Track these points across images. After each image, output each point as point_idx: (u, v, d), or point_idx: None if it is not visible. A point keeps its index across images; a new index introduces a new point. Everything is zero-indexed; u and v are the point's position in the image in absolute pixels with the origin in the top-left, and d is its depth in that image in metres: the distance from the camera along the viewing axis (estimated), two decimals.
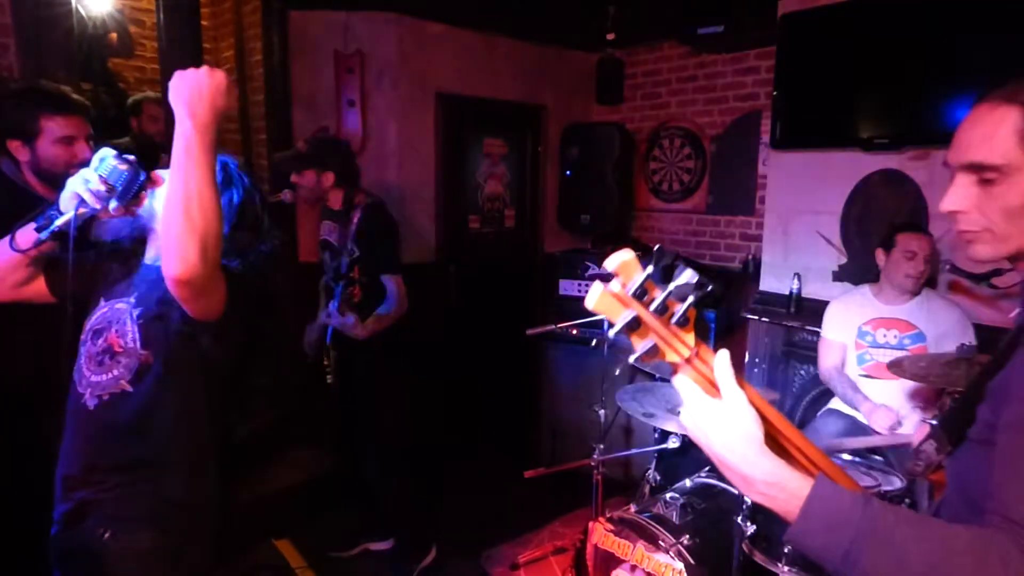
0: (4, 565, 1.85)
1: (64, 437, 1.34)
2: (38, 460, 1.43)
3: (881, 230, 2.69)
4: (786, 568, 1.80)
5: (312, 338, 2.71)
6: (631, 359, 0.73)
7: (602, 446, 2.49)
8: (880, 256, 2.53)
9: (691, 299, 0.71)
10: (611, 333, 0.72)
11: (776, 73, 3.19)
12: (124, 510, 1.29)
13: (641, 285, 0.70)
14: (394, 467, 2.71)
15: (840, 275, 3.15)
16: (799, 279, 3.23)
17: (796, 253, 3.29)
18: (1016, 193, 0.76)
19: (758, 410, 0.75)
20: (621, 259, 0.70)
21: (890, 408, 2.37)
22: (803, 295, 3.22)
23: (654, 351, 0.72)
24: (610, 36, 3.85)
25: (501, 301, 4.15)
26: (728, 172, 3.87)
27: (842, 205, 3.09)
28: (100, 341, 1.31)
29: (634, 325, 0.71)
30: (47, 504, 1.35)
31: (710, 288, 0.73)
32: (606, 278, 0.72)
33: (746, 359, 3.43)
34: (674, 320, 0.72)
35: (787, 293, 3.25)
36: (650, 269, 0.70)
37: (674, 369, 0.76)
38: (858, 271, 3.03)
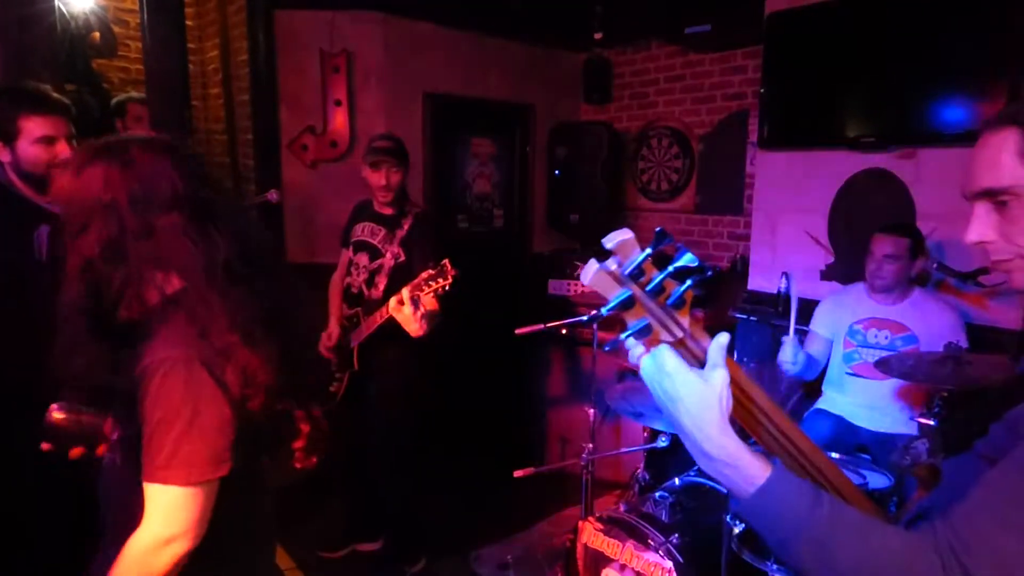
0: None
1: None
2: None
3: (868, 229, 2.71)
4: (775, 567, 1.80)
5: (331, 344, 2.68)
6: (622, 336, 0.73)
7: (591, 446, 2.49)
8: (867, 260, 2.55)
9: (689, 281, 0.71)
10: (604, 310, 0.71)
11: (763, 72, 3.20)
12: None
13: (638, 265, 0.70)
14: (405, 467, 2.71)
15: (828, 274, 3.16)
16: (787, 278, 3.24)
17: (784, 252, 3.30)
18: None
19: (743, 391, 0.76)
20: (620, 238, 0.70)
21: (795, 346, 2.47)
22: (791, 294, 3.24)
23: (647, 330, 0.72)
24: (597, 36, 3.85)
25: (490, 301, 4.14)
26: (716, 171, 3.89)
27: (829, 204, 3.11)
28: None
29: (628, 304, 0.71)
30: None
31: (709, 273, 0.72)
32: (602, 256, 0.72)
33: (734, 358, 3.44)
34: (670, 301, 0.72)
35: (775, 292, 3.27)
36: (648, 250, 0.70)
37: (652, 344, 0.75)
38: (846, 270, 3.04)
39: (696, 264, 0.70)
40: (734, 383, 0.76)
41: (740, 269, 3.65)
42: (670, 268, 0.70)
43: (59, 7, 2.87)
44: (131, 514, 1.04)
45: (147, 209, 1.02)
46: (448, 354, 3.91)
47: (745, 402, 0.78)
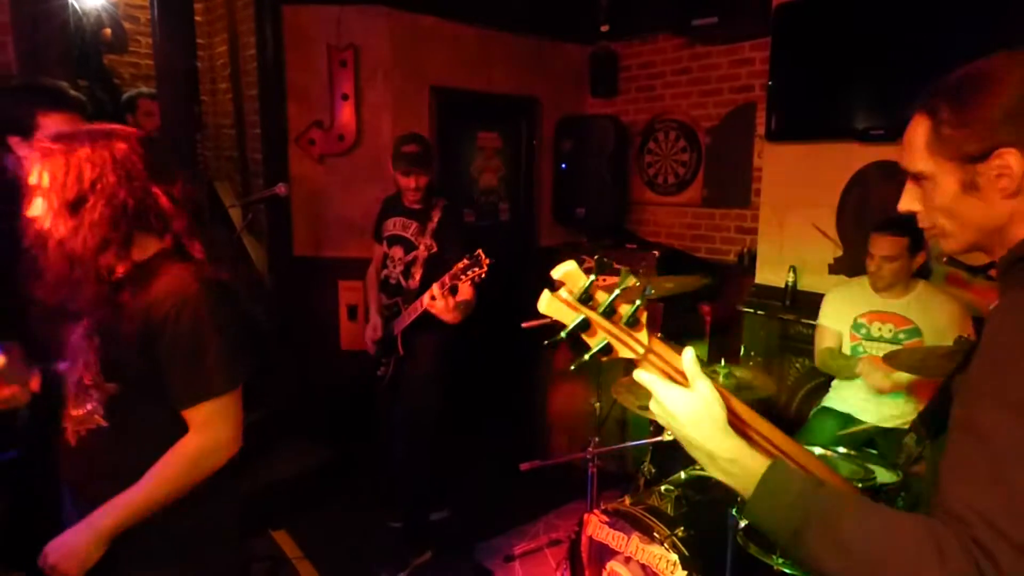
0: None
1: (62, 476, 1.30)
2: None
3: (877, 222, 2.69)
4: (780, 560, 1.80)
5: (378, 336, 2.80)
6: (586, 356, 0.80)
7: (597, 439, 2.50)
8: (868, 258, 2.53)
9: (638, 302, 0.79)
10: (563, 334, 0.80)
11: (771, 64, 3.18)
12: (142, 550, 1.22)
13: (586, 291, 0.78)
14: (427, 454, 2.81)
15: (836, 268, 3.15)
16: (795, 272, 3.23)
17: (791, 246, 3.29)
18: (941, 195, 0.81)
19: (723, 397, 0.82)
20: (564, 269, 0.79)
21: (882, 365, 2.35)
22: (799, 288, 3.23)
23: (608, 348, 0.80)
24: (604, 28, 3.84)
25: (496, 295, 4.15)
26: (723, 165, 3.87)
27: (838, 197, 3.09)
28: (74, 372, 1.26)
29: (584, 326, 0.79)
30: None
31: (650, 293, 0.80)
32: (555, 285, 0.80)
33: (741, 352, 3.44)
34: (624, 321, 0.79)
35: (783, 286, 3.26)
36: (592, 277, 0.78)
37: (635, 364, 0.83)
38: (854, 263, 3.02)
39: (637, 285, 0.78)
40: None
41: (747, 263, 3.64)
42: (616, 291, 0.78)
43: (72, 4, 2.90)
44: (112, 476, 1.18)
45: (131, 181, 1.18)
46: (454, 347, 3.95)
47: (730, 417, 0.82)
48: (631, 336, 0.81)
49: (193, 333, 1.19)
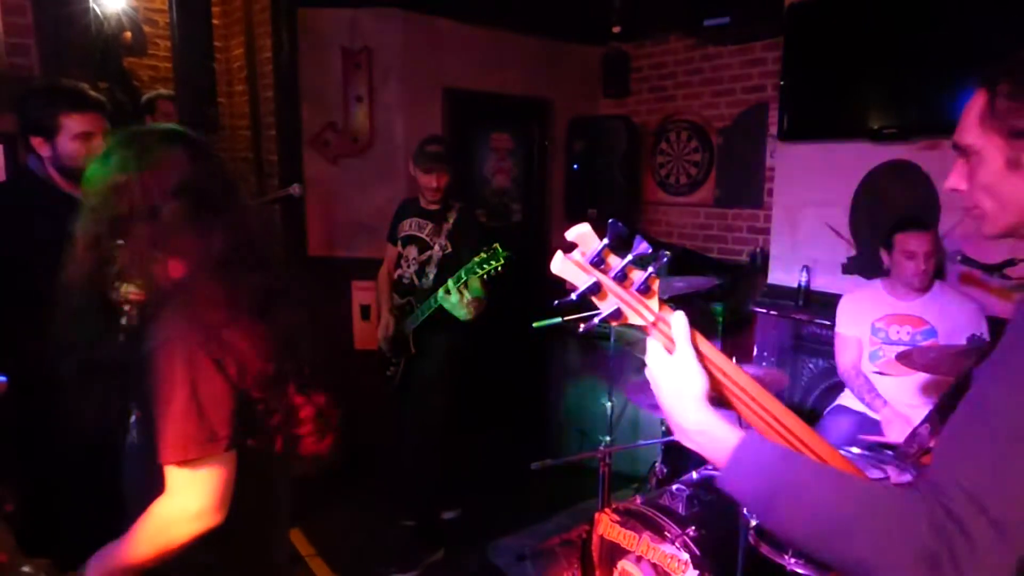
0: None
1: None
2: None
3: (891, 221, 2.67)
4: (792, 560, 1.80)
5: (389, 333, 2.83)
6: (596, 319, 0.80)
7: (609, 438, 2.50)
8: (884, 256, 2.51)
9: (651, 268, 0.78)
10: (575, 295, 0.79)
11: (783, 64, 3.18)
12: None
13: (599, 254, 0.78)
14: (434, 454, 2.83)
15: (849, 267, 3.13)
16: (807, 272, 3.22)
17: (804, 245, 3.28)
18: (985, 172, 0.81)
19: (711, 367, 0.81)
20: (579, 231, 0.79)
21: (908, 420, 2.32)
22: (812, 288, 3.21)
23: (618, 313, 0.79)
24: (616, 29, 3.85)
25: (508, 294, 4.16)
26: (735, 165, 3.86)
27: (851, 197, 3.07)
28: None
29: (595, 289, 0.79)
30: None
31: (666, 258, 0.80)
32: (568, 248, 0.80)
33: (754, 352, 3.42)
34: (635, 287, 0.79)
35: (795, 286, 3.24)
36: (606, 240, 0.77)
37: (644, 331, 0.83)
38: (867, 263, 3.01)
39: (651, 250, 0.77)
40: (707, 360, 0.81)
41: (760, 263, 3.62)
42: (630, 256, 0.77)
43: (93, 8, 2.96)
44: (148, 494, 1.10)
45: (154, 194, 1.08)
46: (466, 346, 3.97)
47: (719, 377, 0.82)
48: (641, 302, 0.80)
49: (167, 383, 1.03)
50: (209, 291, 1.09)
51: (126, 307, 1.12)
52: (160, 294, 1.10)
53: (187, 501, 1.06)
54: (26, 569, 1.09)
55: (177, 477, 1.06)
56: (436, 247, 2.69)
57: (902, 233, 2.42)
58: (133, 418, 1.19)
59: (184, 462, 1.04)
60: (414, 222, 2.79)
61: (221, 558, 1.15)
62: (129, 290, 1.11)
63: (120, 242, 1.08)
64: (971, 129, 0.81)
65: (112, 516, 1.24)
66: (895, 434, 2.30)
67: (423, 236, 2.74)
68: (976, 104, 0.81)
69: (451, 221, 2.71)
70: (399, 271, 2.81)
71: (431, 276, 2.68)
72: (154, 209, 1.08)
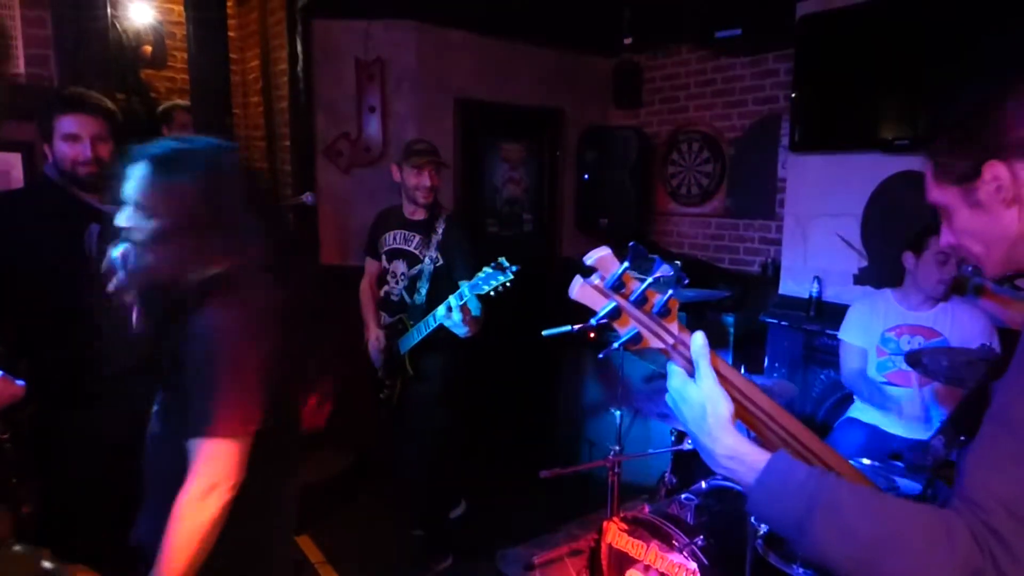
0: None
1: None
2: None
3: (902, 232, 2.63)
4: (800, 570, 1.78)
5: (382, 346, 2.68)
6: (615, 344, 0.79)
7: (618, 447, 2.49)
8: (909, 259, 2.42)
9: (670, 291, 0.77)
10: (593, 320, 0.78)
11: (795, 75, 3.18)
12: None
13: (618, 278, 0.77)
14: (441, 467, 2.78)
15: (861, 278, 3.11)
16: (819, 283, 3.20)
17: (816, 256, 3.26)
18: (958, 219, 0.87)
19: (733, 389, 0.80)
20: (598, 255, 0.78)
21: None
22: (823, 299, 3.19)
23: (637, 338, 0.79)
24: (627, 41, 3.87)
25: (518, 304, 4.17)
26: (747, 176, 3.86)
27: (863, 208, 3.06)
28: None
29: (615, 314, 0.78)
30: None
31: (686, 281, 0.78)
32: (588, 272, 0.79)
33: (766, 363, 3.40)
34: (655, 310, 0.78)
35: (807, 297, 3.23)
36: (626, 264, 0.76)
37: (665, 355, 0.82)
38: (879, 274, 2.99)
39: (672, 274, 0.76)
40: (728, 383, 0.80)
41: (771, 274, 3.61)
42: (648, 279, 0.77)
43: (113, 23, 3.02)
44: (168, 481, 1.17)
45: (206, 203, 1.18)
46: (476, 356, 3.98)
47: (737, 397, 0.81)
48: (661, 326, 0.79)
49: (219, 364, 1.15)
50: (251, 286, 1.21)
51: (162, 302, 1.20)
52: (199, 289, 1.19)
53: (216, 472, 1.14)
54: (17, 548, 1.14)
55: (211, 449, 1.14)
56: (426, 260, 2.51)
57: (937, 235, 2.37)
58: (156, 408, 1.27)
59: (231, 436, 1.14)
60: (399, 234, 2.61)
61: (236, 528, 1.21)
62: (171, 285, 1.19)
63: (167, 244, 1.17)
64: (932, 190, 0.89)
65: (129, 514, 1.29)
66: (911, 411, 2.36)
67: (411, 249, 2.56)
68: (927, 169, 0.89)
69: (440, 231, 2.53)
70: (386, 288, 2.64)
71: (423, 292, 2.50)
72: (206, 214, 1.18)
